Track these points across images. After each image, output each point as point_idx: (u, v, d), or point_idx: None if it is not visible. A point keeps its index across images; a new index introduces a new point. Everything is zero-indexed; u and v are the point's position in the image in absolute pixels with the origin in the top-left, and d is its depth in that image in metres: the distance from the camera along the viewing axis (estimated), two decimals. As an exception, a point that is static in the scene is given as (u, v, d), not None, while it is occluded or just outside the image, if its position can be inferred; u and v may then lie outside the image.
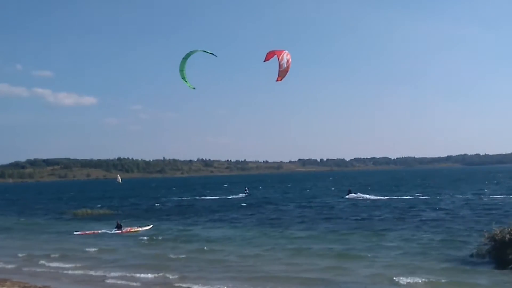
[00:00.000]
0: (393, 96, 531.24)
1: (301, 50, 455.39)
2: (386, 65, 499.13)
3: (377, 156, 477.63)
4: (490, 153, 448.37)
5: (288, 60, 20.01)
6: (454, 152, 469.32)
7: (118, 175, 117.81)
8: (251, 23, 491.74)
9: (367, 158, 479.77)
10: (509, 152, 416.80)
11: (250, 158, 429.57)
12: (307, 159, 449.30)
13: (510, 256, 19.20)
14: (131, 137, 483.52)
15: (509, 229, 19.84)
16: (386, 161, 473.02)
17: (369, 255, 22.92)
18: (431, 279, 18.20)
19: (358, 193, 65.93)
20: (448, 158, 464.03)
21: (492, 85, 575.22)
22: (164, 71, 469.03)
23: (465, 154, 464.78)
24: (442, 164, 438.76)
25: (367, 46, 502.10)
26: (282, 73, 19.96)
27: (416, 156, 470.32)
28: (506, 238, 19.49)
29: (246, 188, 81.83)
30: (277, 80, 20.17)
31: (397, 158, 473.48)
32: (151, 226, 36.55)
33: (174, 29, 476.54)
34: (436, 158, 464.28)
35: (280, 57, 19.78)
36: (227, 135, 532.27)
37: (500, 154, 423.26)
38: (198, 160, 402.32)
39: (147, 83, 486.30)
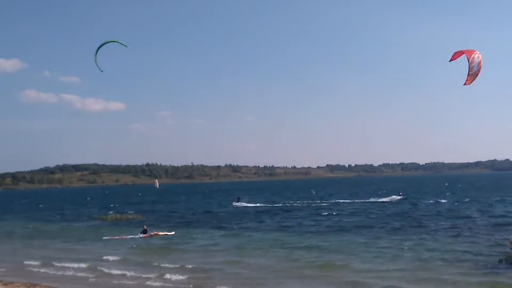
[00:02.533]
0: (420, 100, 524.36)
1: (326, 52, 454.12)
2: (408, 67, 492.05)
3: (406, 162, 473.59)
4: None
5: (479, 63, 18.41)
6: (484, 158, 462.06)
7: (156, 180, 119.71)
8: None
9: (395, 163, 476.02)
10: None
11: (278, 163, 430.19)
12: (335, 165, 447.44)
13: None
14: (158, 142, 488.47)
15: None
16: (414, 166, 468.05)
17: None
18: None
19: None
20: (478, 164, 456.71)
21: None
22: (191, 77, 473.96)
23: (495, 160, 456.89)
24: (471, 169, 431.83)
25: (389, 48, 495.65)
26: (472, 76, 18.47)
27: (445, 162, 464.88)
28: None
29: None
30: (465, 84, 18.74)
31: (425, 163, 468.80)
32: (173, 232, 36.65)
33: (202, 39, 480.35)
34: (465, 163, 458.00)
35: (471, 58, 18.23)
36: (255, 141, 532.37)
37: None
38: (226, 165, 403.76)
39: (175, 89, 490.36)
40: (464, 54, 18.27)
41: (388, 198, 68.45)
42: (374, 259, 23.37)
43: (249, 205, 66.36)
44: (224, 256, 26.02)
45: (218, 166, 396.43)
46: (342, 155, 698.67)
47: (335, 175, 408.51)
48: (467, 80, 18.53)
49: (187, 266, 23.47)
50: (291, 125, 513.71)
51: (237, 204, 67.79)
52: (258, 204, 67.28)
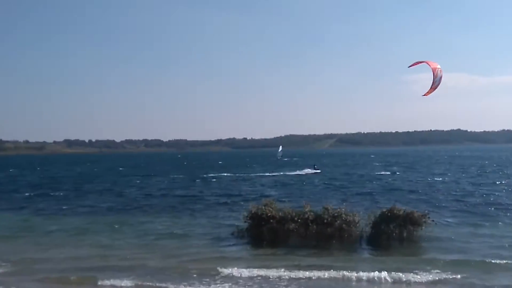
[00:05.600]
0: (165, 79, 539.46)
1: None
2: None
3: (149, 138, 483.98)
4: (256, 138, 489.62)
5: (441, 77, 20.51)
6: (224, 136, 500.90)
7: None
8: None
9: (139, 140, 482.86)
10: (272, 137, 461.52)
11: (6, 137, 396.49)
12: (74, 140, 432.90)
13: (264, 232, 21.29)
14: None
15: (261, 207, 21.95)
16: (158, 143, 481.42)
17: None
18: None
19: None
20: (219, 142, 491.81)
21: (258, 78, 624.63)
22: None
23: (234, 138, 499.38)
24: (213, 147, 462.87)
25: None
26: (433, 89, 20.57)
27: (188, 139, 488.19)
28: (264, 216, 21.44)
29: None
30: (425, 95, 20.80)
31: (169, 140, 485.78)
32: None
33: None
34: (207, 141, 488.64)
35: (436, 72, 20.30)
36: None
37: (265, 139, 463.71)
38: None
39: None
40: (425, 64, 20.65)
41: (303, 171, 74.82)
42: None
43: None
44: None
45: None
46: (82, 130, 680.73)
47: (74, 150, 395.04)
48: (428, 91, 20.77)
49: None
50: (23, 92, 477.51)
51: None
52: None
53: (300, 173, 73.18)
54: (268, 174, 73.58)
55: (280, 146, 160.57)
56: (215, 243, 21.67)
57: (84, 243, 22.17)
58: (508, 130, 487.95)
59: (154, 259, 18.82)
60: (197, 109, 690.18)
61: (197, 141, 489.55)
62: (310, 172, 73.83)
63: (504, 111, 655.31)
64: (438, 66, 20.70)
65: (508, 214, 27.79)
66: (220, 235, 23.23)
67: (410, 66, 21.88)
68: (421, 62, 21.29)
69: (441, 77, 20.70)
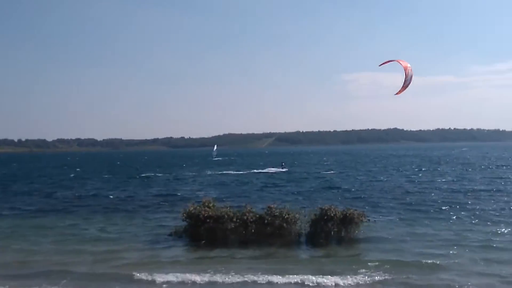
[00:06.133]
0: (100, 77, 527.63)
1: None
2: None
3: (82, 137, 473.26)
4: (194, 137, 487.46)
5: (411, 76, 20.75)
6: (161, 135, 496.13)
7: None
8: None
9: (71, 139, 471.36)
10: (211, 136, 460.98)
11: None
12: (1, 139, 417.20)
13: (203, 232, 20.95)
14: None
15: (200, 206, 21.58)
16: (92, 142, 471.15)
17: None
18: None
19: None
20: (155, 141, 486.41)
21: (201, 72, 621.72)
22: None
23: (171, 137, 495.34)
24: (149, 146, 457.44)
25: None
26: (405, 87, 20.82)
27: (123, 138, 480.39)
28: (201, 215, 21.14)
29: None
30: (397, 93, 21.13)
31: (103, 139, 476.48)
32: None
33: None
34: (143, 140, 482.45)
35: (407, 71, 20.50)
36: None
37: (203, 138, 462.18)
38: None
39: None
40: (396, 62, 20.81)
41: (273, 169, 76.82)
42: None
43: None
44: None
45: None
46: (11, 129, 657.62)
47: (1, 150, 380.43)
48: (400, 90, 20.96)
49: None
50: None
51: None
52: None
53: (267, 171, 73.80)
54: (225, 172, 74.30)
55: (215, 145, 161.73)
56: (150, 245, 21.07)
57: (6, 248, 20.93)
58: (442, 129, 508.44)
59: (81, 265, 17.99)
60: (132, 107, 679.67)
61: (133, 140, 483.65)
62: (277, 170, 74.52)
63: (438, 110, 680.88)
64: (409, 65, 20.94)
65: (445, 212, 28.41)
66: (157, 237, 22.67)
67: (381, 64, 22.08)
68: (391, 61, 21.48)
69: (411, 76, 20.99)
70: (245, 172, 73.12)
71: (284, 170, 74.68)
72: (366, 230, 21.59)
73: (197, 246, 20.54)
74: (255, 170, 76.70)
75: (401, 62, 20.95)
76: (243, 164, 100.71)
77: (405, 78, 20.80)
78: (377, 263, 17.04)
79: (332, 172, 71.07)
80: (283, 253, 19.36)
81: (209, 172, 74.14)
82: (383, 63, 21.87)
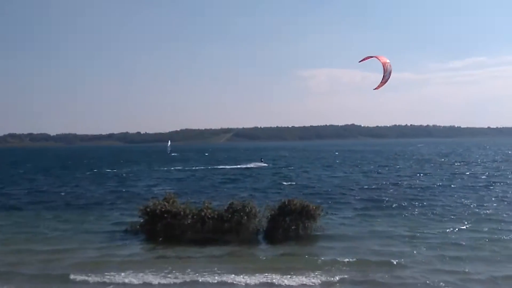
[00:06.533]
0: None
1: None
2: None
3: (35, 132, 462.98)
4: (150, 132, 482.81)
5: (390, 71, 21.25)
6: (116, 130, 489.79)
7: None
8: None
9: (23, 134, 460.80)
10: (167, 131, 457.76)
11: None
12: None
13: (160, 228, 20.64)
14: None
15: (159, 202, 21.38)
16: (45, 137, 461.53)
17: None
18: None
19: None
20: (111, 136, 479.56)
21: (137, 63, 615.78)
22: None
23: (127, 132, 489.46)
24: (104, 141, 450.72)
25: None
26: (384, 82, 21.33)
27: (77, 133, 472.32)
28: (157, 211, 20.92)
29: None
30: (376, 88, 21.75)
31: (57, 134, 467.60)
32: None
33: None
34: (98, 135, 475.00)
35: (386, 67, 20.98)
36: None
37: (160, 133, 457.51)
38: None
39: None
40: (375, 58, 21.20)
41: (252, 164, 76.53)
42: None
43: None
44: None
45: None
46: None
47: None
48: (379, 85, 21.51)
49: None
50: None
51: None
52: None
53: (248, 166, 73.81)
54: (210, 167, 74.22)
55: (169, 141, 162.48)
56: (104, 243, 20.60)
57: None
58: (399, 125, 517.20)
59: (30, 265, 17.31)
60: (88, 102, 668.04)
61: (87, 135, 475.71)
62: (258, 165, 74.80)
63: (395, 107, 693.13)
64: (388, 61, 21.33)
65: (402, 208, 28.70)
66: (111, 234, 22.28)
67: (361, 61, 22.34)
68: (371, 57, 21.74)
69: (390, 72, 21.41)
70: (226, 168, 73.23)
71: (264, 165, 75.28)
72: (325, 226, 21.59)
73: (153, 244, 20.17)
74: (238, 166, 76.42)
75: (380, 58, 21.32)
76: (199, 161, 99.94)
77: (384, 73, 21.23)
78: (335, 261, 17.02)
79: (290, 168, 71.24)
80: (241, 251, 19.13)
81: (165, 168, 73.37)
82: (363, 59, 22.22)
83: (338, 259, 17.29)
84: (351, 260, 17.18)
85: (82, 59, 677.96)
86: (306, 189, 39.72)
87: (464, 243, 19.52)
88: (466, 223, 23.48)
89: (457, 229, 22.16)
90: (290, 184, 44.35)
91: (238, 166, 74.50)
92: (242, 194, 34.48)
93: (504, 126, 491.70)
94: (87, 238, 21.66)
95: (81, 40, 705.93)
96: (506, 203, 30.14)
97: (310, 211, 20.68)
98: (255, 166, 73.41)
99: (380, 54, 21.49)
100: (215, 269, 16.24)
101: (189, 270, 16.06)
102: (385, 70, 21.17)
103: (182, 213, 20.74)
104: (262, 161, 79.77)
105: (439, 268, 16.21)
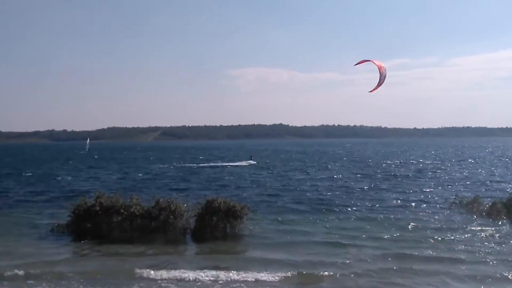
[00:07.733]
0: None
1: None
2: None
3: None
4: (77, 130, 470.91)
5: (385, 76, 22.09)
6: (42, 127, 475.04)
7: None
8: None
9: None
10: (94, 129, 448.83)
11: None
12: None
13: (88, 227, 20.56)
14: None
15: (84, 202, 21.26)
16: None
17: None
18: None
19: None
20: (36, 133, 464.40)
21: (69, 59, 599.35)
22: None
23: (53, 130, 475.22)
24: (30, 139, 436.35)
25: None
26: (379, 86, 22.19)
27: (2, 130, 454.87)
28: (82, 211, 20.89)
29: None
30: (371, 91, 22.56)
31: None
32: None
33: None
34: (23, 132, 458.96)
35: (381, 71, 21.86)
36: None
37: (86, 131, 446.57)
38: None
39: None
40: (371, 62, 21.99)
41: (244, 162, 77.91)
42: None
43: None
44: None
45: None
46: None
47: None
48: (374, 88, 22.42)
49: None
50: None
51: None
52: None
53: (238, 164, 74.75)
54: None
55: (88, 139, 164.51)
56: (26, 245, 19.87)
57: None
58: (326, 125, 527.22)
59: None
60: (12, 97, 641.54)
61: (12, 132, 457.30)
62: (247, 163, 75.63)
63: (322, 107, 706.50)
64: (383, 65, 22.25)
65: (329, 209, 28.61)
66: (34, 235, 21.64)
67: (356, 64, 22.99)
68: (366, 61, 22.53)
69: (385, 75, 22.32)
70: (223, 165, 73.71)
71: (253, 163, 76.07)
72: (252, 226, 22.00)
73: (79, 243, 19.84)
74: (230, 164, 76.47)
75: (375, 62, 22.22)
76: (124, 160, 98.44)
77: (380, 76, 22.22)
78: (261, 260, 17.27)
79: (218, 167, 71.36)
80: (167, 250, 19.25)
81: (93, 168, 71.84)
82: (358, 63, 22.94)
83: (264, 257, 17.65)
84: (277, 259, 17.48)
85: (3, 54, 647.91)
86: (238, 190, 38.88)
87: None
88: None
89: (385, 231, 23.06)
90: (222, 183, 44.69)
91: (230, 164, 75.67)
92: (171, 194, 34.14)
93: (430, 127, 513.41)
94: (5, 240, 20.79)
95: (4, 34, 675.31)
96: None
97: (236, 211, 21.04)
98: (245, 164, 74.57)
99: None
100: (142, 266, 16.32)
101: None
102: (380, 74, 22.20)
103: (112, 210, 20.63)
104: (252, 158, 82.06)
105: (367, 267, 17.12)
